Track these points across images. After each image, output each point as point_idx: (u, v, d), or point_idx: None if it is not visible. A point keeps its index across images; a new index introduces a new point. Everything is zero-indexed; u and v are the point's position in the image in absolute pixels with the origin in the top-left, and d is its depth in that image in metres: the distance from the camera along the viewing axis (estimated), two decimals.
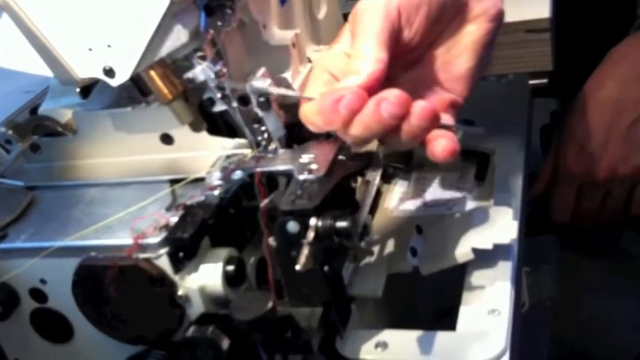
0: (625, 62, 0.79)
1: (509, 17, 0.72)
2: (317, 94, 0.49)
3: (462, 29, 0.52)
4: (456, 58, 0.52)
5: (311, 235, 0.48)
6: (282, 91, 0.54)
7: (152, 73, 0.53)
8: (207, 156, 0.56)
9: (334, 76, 0.51)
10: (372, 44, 0.48)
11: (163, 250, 0.49)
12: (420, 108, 0.46)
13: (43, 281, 0.54)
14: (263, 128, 0.56)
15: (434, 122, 0.46)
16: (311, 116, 0.49)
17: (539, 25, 0.72)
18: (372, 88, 0.47)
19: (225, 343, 0.50)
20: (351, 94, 0.46)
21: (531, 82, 0.78)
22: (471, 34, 0.52)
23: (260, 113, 0.55)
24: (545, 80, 0.76)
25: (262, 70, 0.56)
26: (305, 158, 0.53)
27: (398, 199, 0.67)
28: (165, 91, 0.54)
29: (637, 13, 0.90)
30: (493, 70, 0.75)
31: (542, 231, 0.87)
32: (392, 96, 0.45)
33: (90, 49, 0.51)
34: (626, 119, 0.78)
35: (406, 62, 0.53)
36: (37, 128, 0.60)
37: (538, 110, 0.88)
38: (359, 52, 0.49)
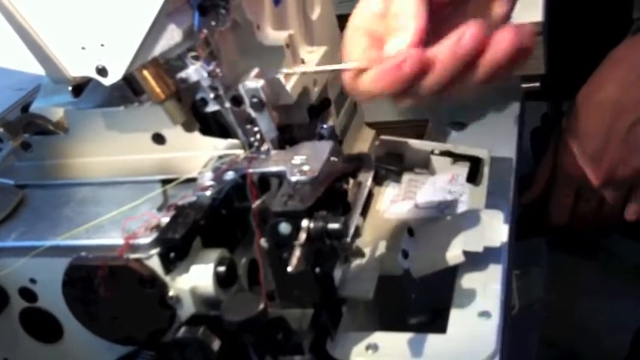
0: (624, 64, 0.79)
1: None
2: (362, 61, 0.47)
3: None
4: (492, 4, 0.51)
5: (303, 236, 0.48)
6: (316, 68, 0.53)
7: (145, 72, 0.53)
8: (199, 156, 0.56)
9: (376, 39, 0.49)
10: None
11: (154, 251, 0.49)
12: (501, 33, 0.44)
13: (32, 280, 0.53)
14: (256, 129, 0.56)
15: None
16: (371, 84, 0.47)
17: None
18: (422, 44, 0.46)
19: (216, 345, 0.49)
20: (412, 54, 0.45)
21: (524, 85, 0.78)
22: None
23: (253, 114, 0.55)
24: (537, 84, 0.76)
25: (255, 71, 0.56)
26: (297, 159, 0.53)
27: (389, 201, 0.67)
28: (158, 90, 0.54)
29: (633, 16, 0.90)
30: None
31: (534, 233, 0.88)
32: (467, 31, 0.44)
33: (83, 48, 0.50)
34: (625, 121, 0.78)
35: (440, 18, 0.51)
36: (28, 126, 0.60)
37: (529, 113, 0.88)
38: (401, 9, 0.47)
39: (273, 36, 0.61)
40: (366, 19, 0.50)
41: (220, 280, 0.51)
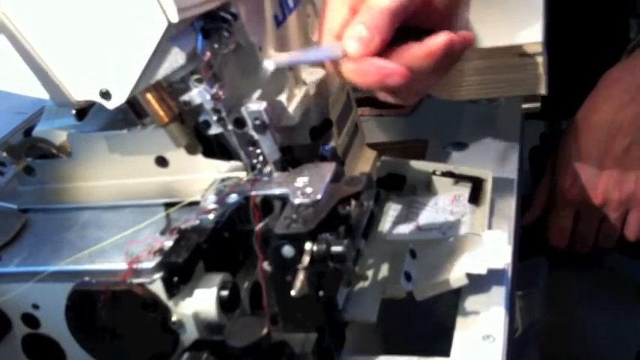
0: (619, 86, 0.80)
1: (502, 41, 0.73)
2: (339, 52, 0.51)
3: None
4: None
5: (306, 259, 0.48)
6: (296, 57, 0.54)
7: (148, 95, 0.53)
8: (202, 179, 0.56)
9: (354, 10, 0.52)
10: None
11: (157, 275, 0.49)
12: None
13: (35, 306, 0.53)
14: (258, 151, 0.55)
15: None
16: (350, 74, 0.51)
17: (531, 49, 0.73)
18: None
19: None
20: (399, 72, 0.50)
21: (524, 105, 0.79)
22: None
23: (255, 136, 0.55)
24: (537, 104, 0.77)
25: (258, 93, 0.56)
26: (300, 182, 0.53)
27: (392, 223, 0.67)
28: (162, 113, 0.54)
29: (629, 36, 0.91)
30: (486, 94, 0.76)
31: (535, 253, 0.88)
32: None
33: (86, 72, 0.50)
34: (620, 143, 0.78)
35: None
36: (31, 150, 0.59)
37: (527, 132, 0.89)
38: (369, 17, 0.50)
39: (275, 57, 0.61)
40: None
41: (223, 304, 0.50)
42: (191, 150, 0.56)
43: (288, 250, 0.49)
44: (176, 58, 0.51)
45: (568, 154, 0.82)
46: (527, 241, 0.81)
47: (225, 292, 0.50)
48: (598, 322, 1.06)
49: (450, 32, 0.51)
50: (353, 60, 0.51)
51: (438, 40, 0.50)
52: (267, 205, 0.55)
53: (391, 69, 0.50)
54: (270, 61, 0.54)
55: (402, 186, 0.70)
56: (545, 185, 0.85)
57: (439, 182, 0.69)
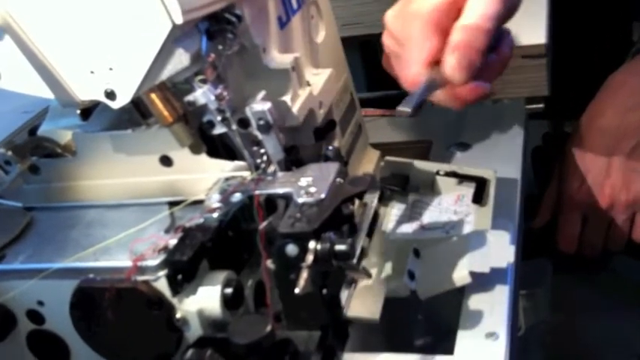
0: (624, 89, 0.80)
1: None
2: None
3: None
4: None
5: (310, 258, 0.48)
6: None
7: (153, 95, 0.54)
8: (206, 178, 0.57)
9: (446, 34, 0.50)
10: None
11: (162, 273, 0.49)
12: None
13: (40, 303, 0.53)
14: (262, 151, 0.56)
15: None
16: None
17: (535, 51, 0.73)
18: None
19: None
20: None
21: (528, 106, 0.79)
22: None
23: (259, 136, 0.55)
24: (541, 105, 0.77)
25: (262, 94, 0.56)
26: (304, 181, 0.54)
27: (395, 222, 0.67)
28: (166, 113, 0.54)
29: (632, 39, 0.91)
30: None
31: (541, 254, 0.88)
32: None
33: (92, 72, 0.51)
34: (626, 146, 0.78)
35: None
36: (36, 149, 0.60)
37: (530, 132, 0.89)
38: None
39: (279, 59, 0.61)
40: (440, 10, 0.51)
41: (227, 302, 0.50)
42: (195, 150, 0.57)
43: (292, 249, 0.49)
44: (180, 59, 0.52)
45: (574, 159, 0.82)
46: (534, 243, 0.81)
47: (229, 290, 0.51)
48: (602, 324, 1.06)
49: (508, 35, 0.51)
50: (450, 86, 0.50)
51: (508, 45, 0.51)
52: (271, 204, 0.55)
53: (484, 89, 0.50)
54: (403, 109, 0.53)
55: (405, 185, 0.70)
56: (552, 190, 0.85)
57: (443, 182, 0.70)
